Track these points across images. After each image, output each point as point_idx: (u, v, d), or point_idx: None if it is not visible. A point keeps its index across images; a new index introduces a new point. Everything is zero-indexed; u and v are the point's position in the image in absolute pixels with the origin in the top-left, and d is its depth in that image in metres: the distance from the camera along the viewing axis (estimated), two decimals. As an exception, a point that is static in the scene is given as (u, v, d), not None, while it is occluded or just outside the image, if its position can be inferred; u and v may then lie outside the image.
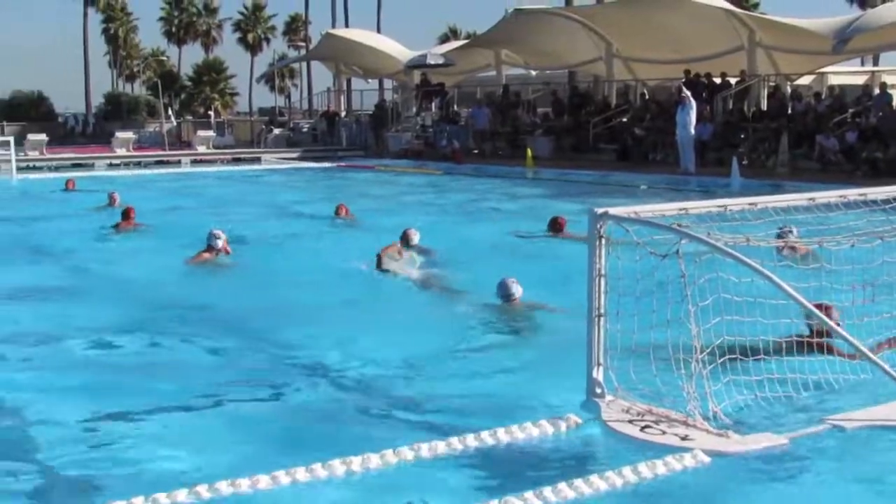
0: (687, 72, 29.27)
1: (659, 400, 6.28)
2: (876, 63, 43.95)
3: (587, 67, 36.20)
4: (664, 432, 5.97)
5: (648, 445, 5.81)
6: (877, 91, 26.37)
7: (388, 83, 50.94)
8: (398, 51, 40.35)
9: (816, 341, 6.99)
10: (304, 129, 43.36)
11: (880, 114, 24.87)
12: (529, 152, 29.40)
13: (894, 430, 6.11)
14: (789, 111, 27.10)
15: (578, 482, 5.25)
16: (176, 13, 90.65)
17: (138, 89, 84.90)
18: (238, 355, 8.55)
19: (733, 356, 6.38)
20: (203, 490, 5.22)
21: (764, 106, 28.35)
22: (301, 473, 5.44)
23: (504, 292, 9.60)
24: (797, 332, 7.03)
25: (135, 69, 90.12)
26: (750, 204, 6.79)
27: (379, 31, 57.11)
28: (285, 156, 36.54)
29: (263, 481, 5.34)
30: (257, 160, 35.52)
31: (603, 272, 6.28)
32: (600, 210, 6.30)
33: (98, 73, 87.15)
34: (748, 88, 28.71)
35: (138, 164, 34.25)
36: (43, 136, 36.35)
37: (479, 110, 35.41)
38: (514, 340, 9.09)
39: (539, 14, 34.26)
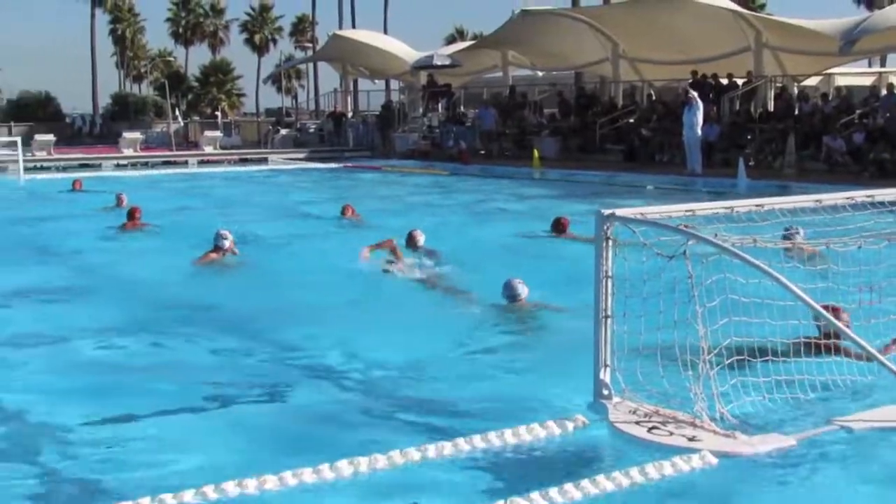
0: (694, 73, 29.26)
1: (666, 401, 6.27)
2: (883, 64, 43.81)
3: (594, 68, 36.19)
4: (671, 433, 5.96)
5: (656, 446, 5.81)
6: (884, 92, 26.33)
7: (394, 84, 50.93)
8: (405, 52, 40.38)
9: (824, 342, 6.98)
10: (311, 130, 43.43)
11: (887, 115, 24.81)
12: (536, 153, 29.41)
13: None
14: (796, 112, 27.06)
15: (585, 483, 5.25)
16: (183, 14, 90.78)
17: (145, 90, 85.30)
18: (244, 356, 8.55)
19: (741, 357, 6.37)
20: (210, 490, 5.22)
21: (771, 107, 28.32)
22: (308, 475, 5.44)
23: (510, 292, 9.60)
24: (805, 333, 7.01)
25: (142, 70, 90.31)
26: (757, 205, 6.78)
27: (386, 32, 57.12)
28: (292, 156, 36.58)
29: (271, 482, 5.34)
30: (264, 161, 35.57)
31: (610, 273, 6.28)
32: (607, 211, 6.29)
33: (105, 74, 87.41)
34: (755, 89, 28.67)
35: (145, 165, 34.31)
36: (50, 137, 36.43)
37: (486, 111, 35.41)
38: (520, 341, 9.08)
39: (546, 15, 34.26)
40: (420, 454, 5.75)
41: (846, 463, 5.79)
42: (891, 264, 7.11)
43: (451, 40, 73.58)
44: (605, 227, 6.27)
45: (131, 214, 16.27)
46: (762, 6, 64.89)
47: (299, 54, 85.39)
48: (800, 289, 6.05)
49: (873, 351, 6.35)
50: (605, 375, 6.39)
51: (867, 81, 33.34)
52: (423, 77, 38.85)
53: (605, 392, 6.40)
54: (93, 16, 77.97)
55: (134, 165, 34.15)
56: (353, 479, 5.49)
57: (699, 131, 25.30)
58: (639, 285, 6.27)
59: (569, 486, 5.20)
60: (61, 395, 7.30)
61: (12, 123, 50.08)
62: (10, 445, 6.28)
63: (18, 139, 31.30)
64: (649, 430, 6.02)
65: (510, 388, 7.50)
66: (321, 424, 6.74)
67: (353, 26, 57.42)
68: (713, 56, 29.90)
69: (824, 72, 31.18)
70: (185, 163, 34.72)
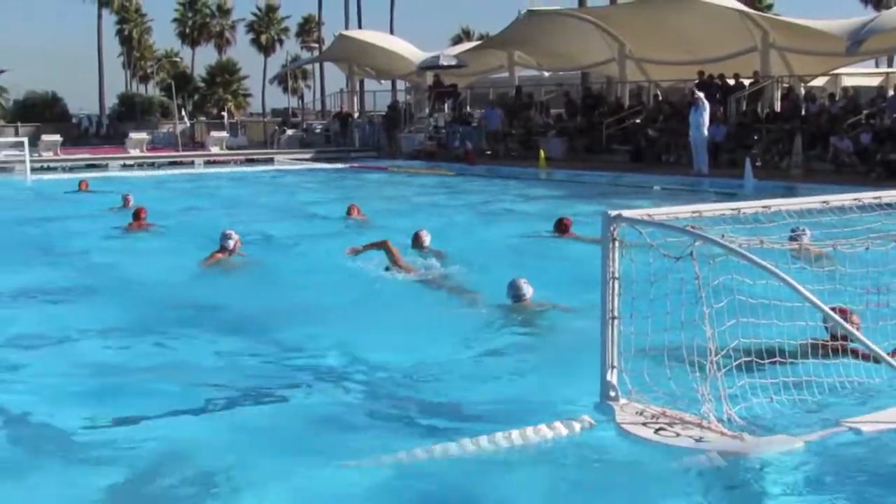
0: (700, 73, 29.22)
1: (673, 402, 6.25)
2: (890, 64, 43.82)
3: (600, 68, 36.16)
4: (678, 434, 5.94)
5: (663, 447, 5.79)
6: (891, 92, 26.33)
7: (400, 84, 51.02)
8: (411, 52, 40.38)
9: (832, 344, 6.96)
10: (317, 130, 43.48)
11: (895, 115, 24.76)
12: (542, 153, 29.40)
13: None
14: (803, 112, 26.99)
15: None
16: (190, 14, 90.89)
17: (152, 90, 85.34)
18: (250, 356, 8.53)
19: (748, 358, 6.35)
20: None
21: (777, 107, 28.26)
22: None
23: (515, 292, 9.59)
24: (812, 334, 6.99)
25: (148, 70, 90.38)
26: (763, 207, 6.76)
27: (392, 32, 57.18)
28: (298, 157, 36.62)
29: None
30: (270, 161, 35.61)
31: (616, 275, 6.26)
32: (614, 212, 6.28)
33: (112, 74, 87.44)
34: (762, 90, 28.63)
35: (152, 165, 34.37)
36: (57, 137, 36.51)
37: (492, 111, 35.40)
38: (526, 341, 9.05)
39: (552, 15, 34.22)
40: (427, 455, 5.74)
41: (854, 465, 5.77)
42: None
43: (457, 40, 73.61)
44: (612, 229, 6.25)
45: (137, 215, 16.29)
46: (769, 6, 64.85)
47: (305, 54, 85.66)
48: (807, 290, 6.03)
49: (882, 353, 6.33)
50: (612, 377, 6.37)
51: (874, 82, 33.27)
52: (429, 77, 38.86)
53: (612, 393, 6.38)
54: (99, 16, 78.18)
55: (140, 166, 34.20)
56: (359, 479, 5.48)
57: (706, 132, 25.27)
58: (645, 286, 6.25)
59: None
60: (65, 394, 7.31)
61: (19, 124, 50.28)
62: (15, 445, 6.29)
63: (25, 139, 31.39)
64: (656, 431, 6.01)
65: (516, 389, 7.48)
66: (326, 425, 6.73)
67: (360, 26, 57.43)
68: (720, 56, 29.85)
69: (831, 72, 31.11)
70: (192, 163, 34.77)
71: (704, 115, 25.12)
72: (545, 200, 21.71)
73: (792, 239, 7.93)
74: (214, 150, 37.68)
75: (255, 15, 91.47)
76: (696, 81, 28.72)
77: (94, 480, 5.67)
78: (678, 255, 6.01)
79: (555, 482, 5.33)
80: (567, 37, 34.03)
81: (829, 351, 6.94)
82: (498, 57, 38.92)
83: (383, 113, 41.38)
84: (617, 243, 6.27)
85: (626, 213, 6.32)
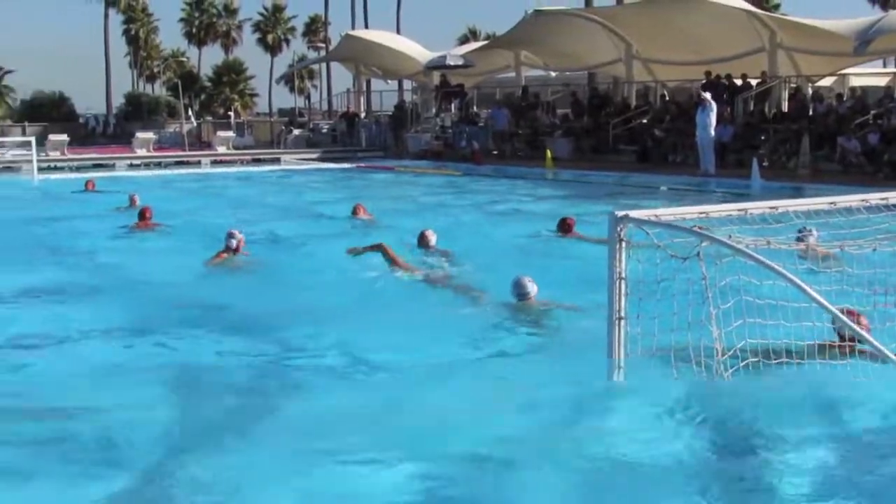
0: (707, 73, 29.18)
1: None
2: (898, 64, 43.69)
3: (607, 69, 36.13)
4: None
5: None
6: (899, 93, 26.22)
7: (407, 84, 50.93)
8: (418, 52, 40.38)
9: (839, 345, 6.93)
10: (324, 130, 43.49)
11: (902, 115, 24.71)
12: (549, 153, 29.38)
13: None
14: (810, 113, 26.95)
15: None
16: (196, 14, 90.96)
17: (158, 90, 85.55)
18: (255, 356, 8.52)
19: (755, 359, 6.33)
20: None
21: (785, 107, 28.21)
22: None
23: (519, 290, 9.56)
24: (819, 335, 6.97)
25: (155, 70, 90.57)
26: (771, 207, 6.74)
27: (398, 32, 57.15)
28: (305, 156, 36.63)
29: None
30: (277, 161, 35.62)
31: (623, 275, 6.25)
32: (620, 213, 6.26)
33: (119, 74, 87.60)
34: (769, 90, 28.57)
35: (158, 165, 34.40)
36: (64, 137, 36.57)
37: (499, 111, 35.39)
38: (530, 339, 9.04)
39: (559, 15, 34.21)
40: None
41: (861, 466, 5.74)
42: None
43: (463, 40, 73.59)
44: (619, 229, 6.24)
45: (142, 214, 16.28)
46: (776, 6, 64.73)
47: (312, 54, 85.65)
48: (815, 291, 6.01)
49: (890, 354, 6.31)
50: (619, 377, 6.36)
51: (882, 82, 33.16)
52: (435, 77, 38.85)
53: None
54: (106, 16, 78.20)
55: (147, 165, 34.23)
56: (360, 479, 5.47)
57: (712, 132, 25.22)
58: (652, 287, 6.24)
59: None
60: (68, 394, 7.30)
61: (26, 123, 50.39)
62: (19, 445, 6.28)
63: (32, 139, 31.42)
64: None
65: (518, 388, 7.45)
66: (330, 425, 6.72)
67: (366, 26, 57.51)
68: (727, 56, 29.79)
69: (839, 72, 31.05)
70: (198, 163, 34.79)
71: (711, 116, 25.08)
72: (552, 200, 21.68)
73: (799, 239, 7.92)
74: (221, 149, 37.69)
75: (261, 15, 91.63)
76: (704, 81, 28.68)
77: (96, 480, 5.66)
78: (685, 256, 6.00)
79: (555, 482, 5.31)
80: (574, 37, 34.01)
81: (838, 351, 6.92)
82: (504, 57, 38.90)
83: (390, 113, 41.37)
84: (624, 244, 6.26)
85: (633, 213, 6.31)
